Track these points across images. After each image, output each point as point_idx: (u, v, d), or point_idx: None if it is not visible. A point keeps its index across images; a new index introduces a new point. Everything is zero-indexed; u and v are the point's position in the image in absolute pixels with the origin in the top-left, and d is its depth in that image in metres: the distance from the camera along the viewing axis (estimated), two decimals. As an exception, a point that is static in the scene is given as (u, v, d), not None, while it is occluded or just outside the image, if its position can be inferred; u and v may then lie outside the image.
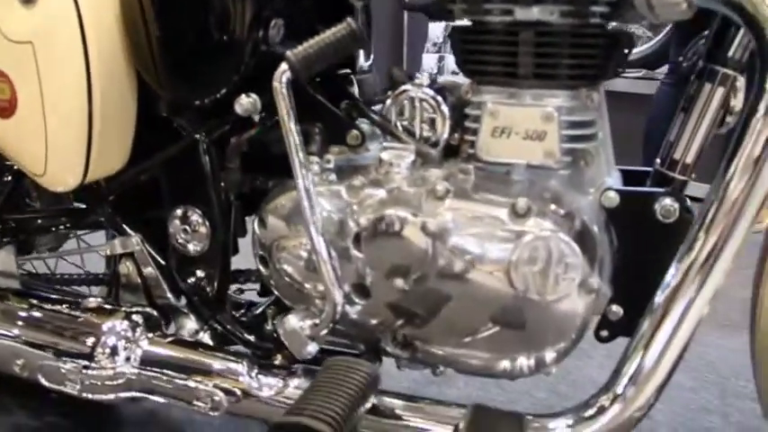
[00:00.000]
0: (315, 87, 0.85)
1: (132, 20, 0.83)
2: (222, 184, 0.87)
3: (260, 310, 0.96)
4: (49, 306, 0.92)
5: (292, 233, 0.81)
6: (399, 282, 0.74)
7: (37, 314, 0.91)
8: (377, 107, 0.85)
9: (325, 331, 0.76)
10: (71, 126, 0.83)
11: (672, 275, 0.71)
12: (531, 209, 0.70)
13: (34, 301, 0.93)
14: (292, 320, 0.77)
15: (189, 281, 0.93)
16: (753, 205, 0.69)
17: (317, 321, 0.76)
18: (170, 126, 0.91)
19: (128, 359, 0.85)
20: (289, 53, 0.73)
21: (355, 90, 0.93)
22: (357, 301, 0.78)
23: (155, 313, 0.91)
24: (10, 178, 0.98)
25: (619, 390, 0.71)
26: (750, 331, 0.81)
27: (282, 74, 0.73)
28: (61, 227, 1.01)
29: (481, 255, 0.71)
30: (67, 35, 0.81)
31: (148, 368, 0.84)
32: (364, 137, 0.85)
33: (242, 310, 0.99)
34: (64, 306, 0.91)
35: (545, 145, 0.75)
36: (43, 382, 0.86)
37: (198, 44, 0.82)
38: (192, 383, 0.81)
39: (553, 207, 0.72)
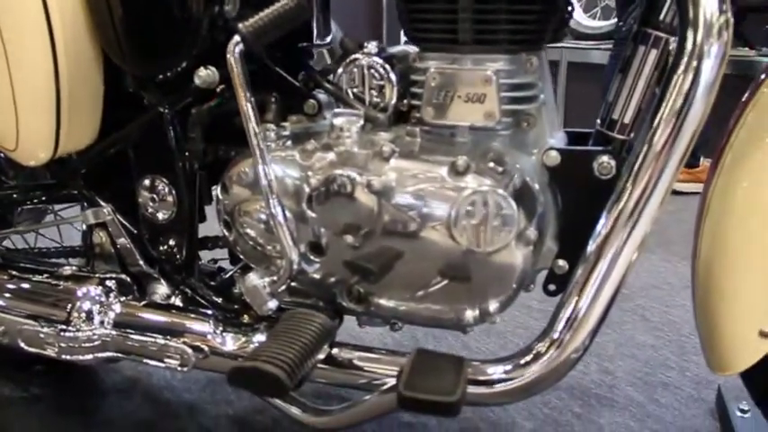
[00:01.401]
0: (274, 60, 0.90)
1: (96, 4, 0.88)
2: (187, 153, 0.93)
3: (228, 275, 1.02)
4: (26, 275, 0.97)
5: (252, 198, 0.87)
6: (350, 239, 0.80)
7: (14, 284, 0.97)
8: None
9: (283, 287, 0.82)
10: (39, 102, 0.89)
11: (602, 225, 0.77)
12: (470, 166, 0.76)
13: (12, 272, 0.99)
14: (252, 278, 0.83)
15: (159, 248, 0.99)
16: (675, 157, 0.74)
17: (276, 278, 0.82)
18: (137, 101, 0.96)
19: (102, 322, 0.91)
20: (240, 25, 0.79)
21: (327, 59, 0.98)
22: (313, 258, 0.84)
23: (127, 278, 0.97)
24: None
25: (555, 335, 0.77)
26: (691, 287, 0.87)
27: (235, 45, 0.79)
28: (36, 200, 1.07)
29: (423, 210, 0.76)
30: (32, 14, 0.86)
31: (121, 330, 0.90)
32: (321, 106, 0.91)
33: (212, 277, 1.05)
34: (40, 275, 0.96)
35: (486, 107, 0.81)
36: (23, 346, 0.92)
37: (157, 20, 0.88)
38: (162, 342, 0.87)
39: (492, 165, 0.77)
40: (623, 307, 1.48)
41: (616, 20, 2.66)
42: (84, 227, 1.04)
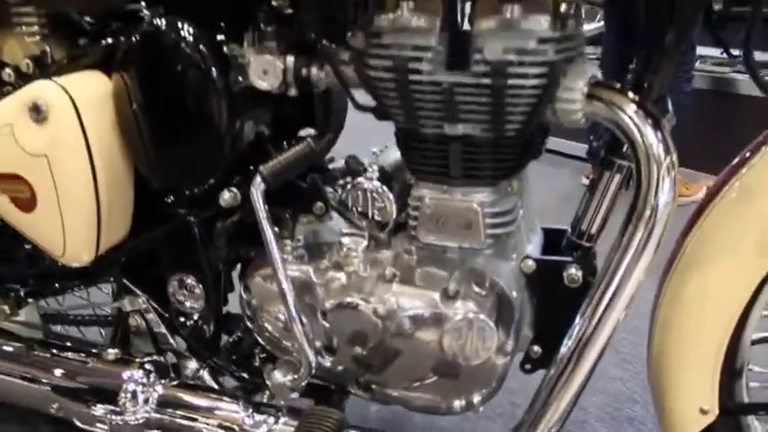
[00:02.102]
0: None
1: (127, 126, 1.03)
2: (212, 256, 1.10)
3: (248, 344, 1.20)
4: (72, 355, 1.15)
5: (272, 301, 1.04)
6: (358, 348, 0.98)
7: (65, 364, 1.14)
8: (338, 189, 1.06)
9: (304, 383, 1.01)
10: (83, 216, 1.04)
11: (573, 331, 0.95)
12: (458, 292, 0.94)
13: (58, 351, 1.16)
14: (277, 376, 1.02)
15: (188, 329, 1.16)
16: (631, 284, 0.92)
17: (297, 377, 1.01)
18: (166, 204, 1.11)
19: (146, 401, 1.09)
20: (262, 168, 0.94)
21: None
22: (326, 356, 1.02)
23: (161, 359, 1.15)
24: (29, 246, 1.20)
25: (530, 421, 0.96)
26: (647, 361, 1.06)
27: (257, 185, 0.95)
28: (75, 287, 1.24)
29: (420, 330, 0.95)
30: (74, 145, 1.00)
31: (163, 409, 1.08)
32: (328, 208, 1.07)
33: (234, 338, 1.22)
34: (86, 356, 1.14)
35: (472, 233, 0.97)
36: (77, 423, 1.11)
37: (183, 146, 1.03)
38: (199, 424, 1.06)
39: (476, 289, 0.95)
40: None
41: (602, 23, 2.77)
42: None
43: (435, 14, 0.88)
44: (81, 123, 1.00)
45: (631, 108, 0.87)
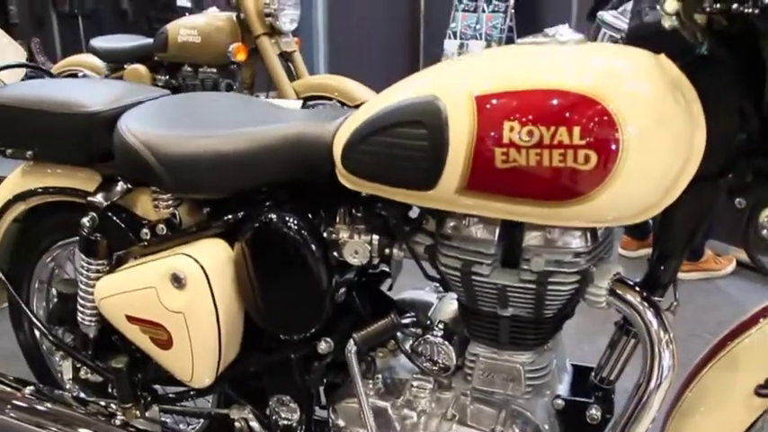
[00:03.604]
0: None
1: (244, 285, 1.40)
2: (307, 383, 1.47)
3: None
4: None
5: (355, 423, 1.42)
6: (427, 472, 1.36)
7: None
8: (410, 336, 1.42)
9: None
10: (208, 354, 1.41)
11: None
12: (502, 435, 1.31)
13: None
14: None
15: (283, 428, 1.54)
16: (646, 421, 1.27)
17: (377, 487, 1.39)
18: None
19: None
20: (355, 335, 1.31)
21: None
22: (402, 469, 1.40)
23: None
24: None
25: None
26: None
27: (351, 347, 1.32)
28: (191, 398, 1.63)
29: (473, 464, 1.32)
30: (205, 305, 1.37)
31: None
32: (399, 345, 1.44)
33: None
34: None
35: (516, 384, 1.33)
36: None
37: (288, 305, 1.39)
38: None
39: (517, 431, 1.32)
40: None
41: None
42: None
43: (494, 226, 1.23)
44: (210, 287, 1.37)
45: (638, 300, 1.22)
